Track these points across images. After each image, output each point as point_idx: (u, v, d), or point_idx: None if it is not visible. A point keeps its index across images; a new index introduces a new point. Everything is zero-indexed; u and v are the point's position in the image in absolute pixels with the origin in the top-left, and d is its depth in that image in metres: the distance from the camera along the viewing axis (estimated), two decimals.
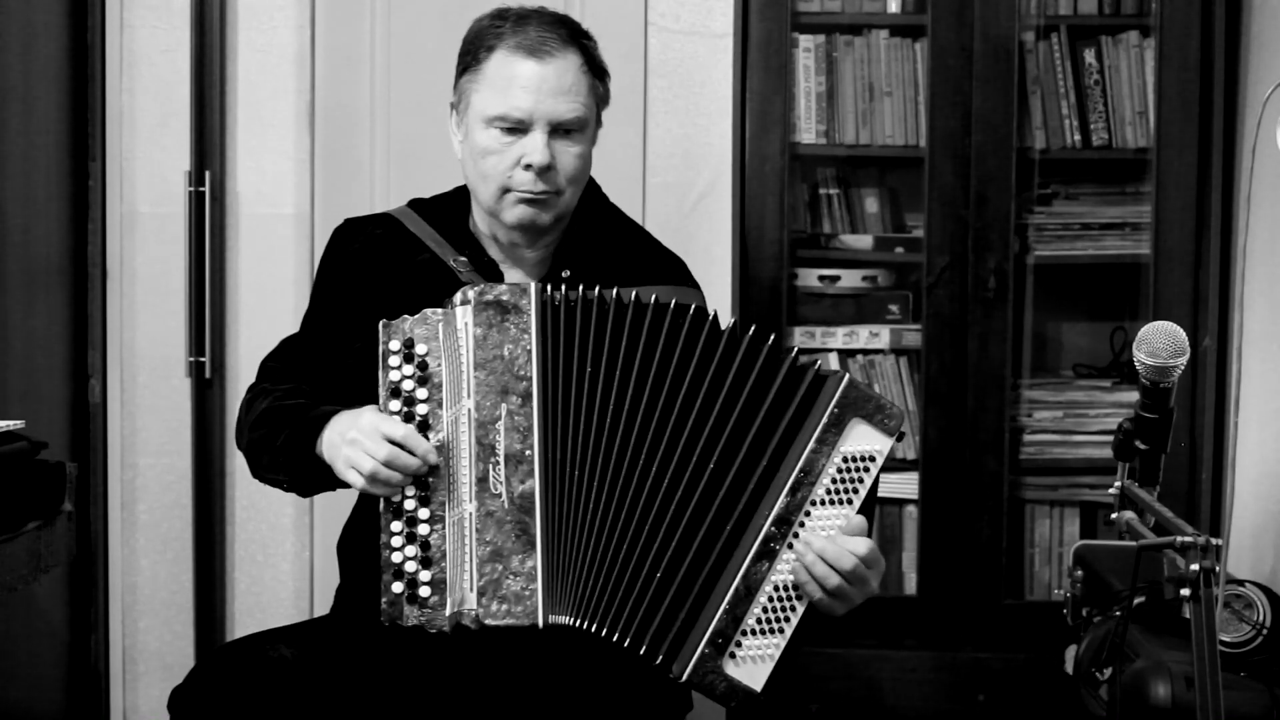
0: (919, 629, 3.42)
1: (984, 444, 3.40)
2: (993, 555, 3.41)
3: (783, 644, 2.05)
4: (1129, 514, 2.02)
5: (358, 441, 2.06)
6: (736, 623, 2.04)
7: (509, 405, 2.06)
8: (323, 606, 3.22)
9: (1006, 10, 3.35)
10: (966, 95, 3.36)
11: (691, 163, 3.35)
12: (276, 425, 2.20)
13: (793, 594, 2.05)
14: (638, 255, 2.38)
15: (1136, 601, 2.78)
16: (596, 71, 2.28)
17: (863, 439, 2.06)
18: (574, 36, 2.26)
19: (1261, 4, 3.30)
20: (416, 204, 2.40)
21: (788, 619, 2.05)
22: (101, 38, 3.30)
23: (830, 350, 3.49)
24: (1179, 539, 1.78)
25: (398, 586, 2.05)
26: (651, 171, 3.34)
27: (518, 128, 2.22)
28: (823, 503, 2.06)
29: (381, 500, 2.07)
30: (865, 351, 3.50)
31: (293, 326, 2.44)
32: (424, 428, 2.07)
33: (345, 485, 2.12)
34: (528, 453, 2.05)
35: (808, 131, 3.46)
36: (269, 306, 3.31)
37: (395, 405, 2.08)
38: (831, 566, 2.02)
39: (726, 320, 2.11)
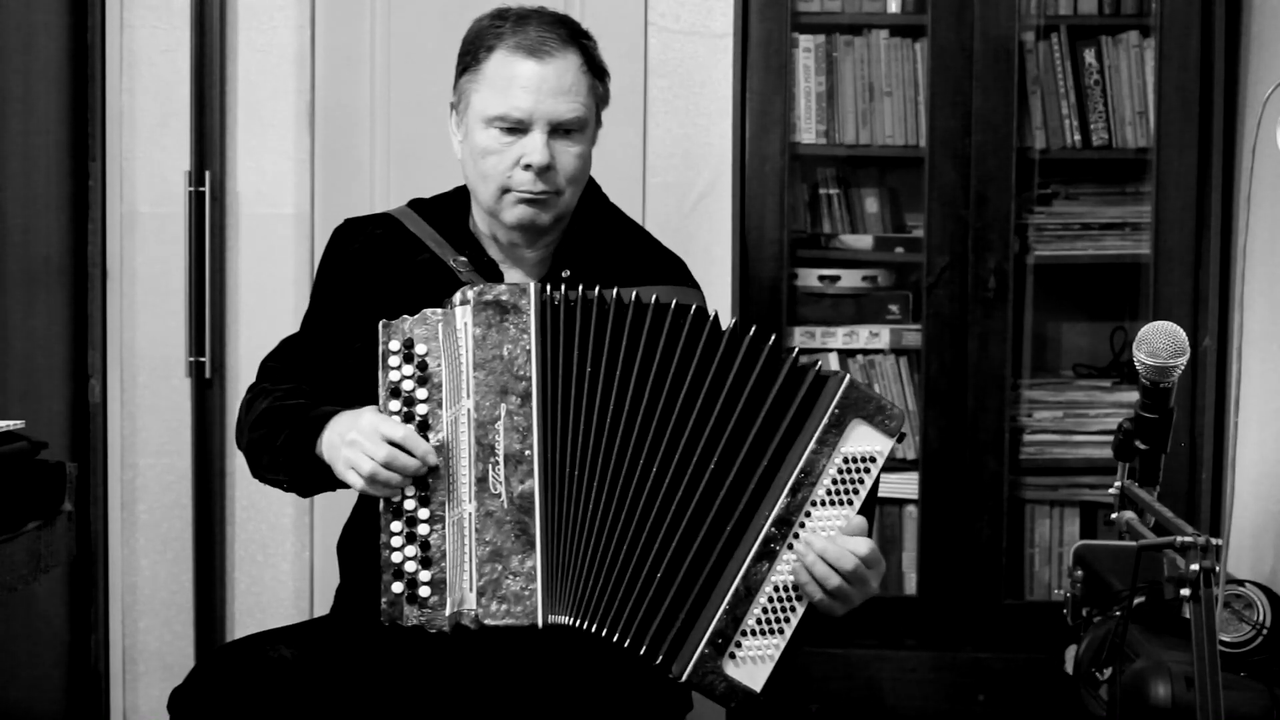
0: (919, 629, 3.42)
1: (984, 444, 3.40)
2: (993, 555, 3.41)
3: (783, 644, 2.05)
4: (1129, 514, 2.02)
5: (357, 443, 2.06)
6: (736, 623, 2.03)
7: (508, 405, 2.06)
8: (323, 606, 3.22)
9: (1006, 10, 3.35)
10: (966, 95, 3.36)
11: (691, 163, 3.35)
12: (276, 425, 2.20)
13: (793, 594, 2.05)
14: (638, 255, 2.38)
15: (1136, 601, 2.78)
16: (596, 71, 2.28)
17: (863, 440, 2.06)
18: (574, 36, 2.26)
19: (1261, 4, 3.30)
20: (416, 204, 2.40)
21: (788, 619, 2.05)
22: (101, 38, 3.30)
23: (830, 350, 3.49)
24: (1179, 539, 1.78)
25: (397, 586, 2.05)
26: (651, 171, 3.34)
27: (517, 128, 2.22)
28: (823, 503, 2.06)
29: (381, 500, 2.07)
30: (865, 351, 3.50)
31: (293, 326, 2.44)
32: (423, 428, 2.07)
33: (345, 486, 2.12)
34: (527, 453, 2.05)
35: (808, 131, 3.46)
36: (269, 306, 3.31)
37: (395, 405, 2.08)
38: (832, 567, 2.02)
39: (727, 321, 2.11)
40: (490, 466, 2.05)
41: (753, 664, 2.04)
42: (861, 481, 2.06)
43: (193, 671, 2.21)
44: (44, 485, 2.54)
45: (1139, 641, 2.72)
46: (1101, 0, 3.46)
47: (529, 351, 2.07)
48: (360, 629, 2.22)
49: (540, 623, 2.02)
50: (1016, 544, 3.48)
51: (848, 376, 2.07)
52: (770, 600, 2.04)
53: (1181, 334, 1.98)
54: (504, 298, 2.09)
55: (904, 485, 3.45)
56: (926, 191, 3.39)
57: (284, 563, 3.37)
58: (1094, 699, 2.75)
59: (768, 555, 2.04)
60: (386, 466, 2.04)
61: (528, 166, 2.21)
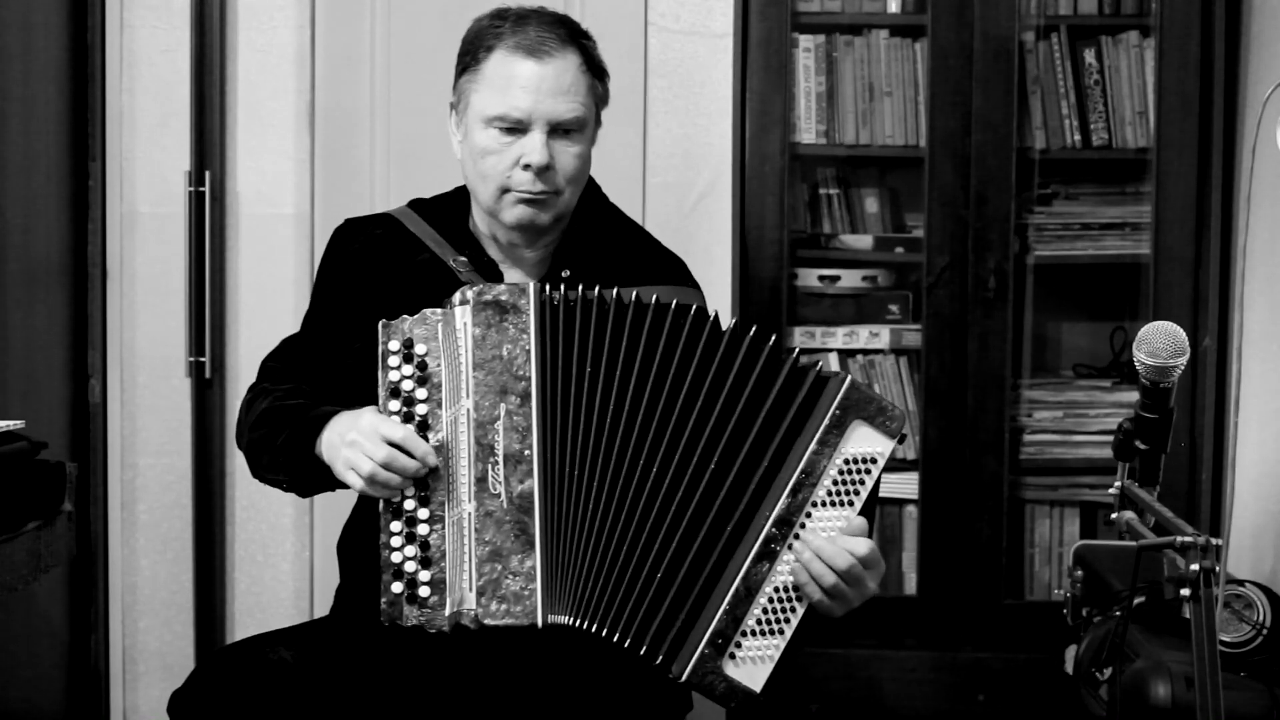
0: (919, 629, 3.42)
1: (984, 444, 3.40)
2: (993, 555, 3.41)
3: (782, 645, 2.05)
4: (1129, 514, 2.02)
5: (357, 443, 2.06)
6: (736, 623, 2.03)
7: (508, 405, 2.06)
8: (323, 607, 3.22)
9: (1006, 10, 3.35)
10: (966, 95, 3.36)
11: (691, 163, 3.35)
12: (276, 425, 2.20)
13: (793, 595, 2.05)
14: (638, 255, 2.38)
15: (1136, 601, 2.78)
16: (596, 71, 2.28)
17: (864, 441, 2.06)
18: (573, 36, 2.26)
19: (1261, 4, 3.30)
20: (416, 204, 2.40)
21: (788, 620, 2.05)
22: (101, 38, 3.30)
23: (830, 350, 3.49)
24: (1179, 539, 1.78)
25: (397, 586, 2.05)
26: (651, 171, 3.34)
27: (517, 128, 2.22)
28: (824, 504, 2.05)
29: (381, 500, 2.07)
30: (865, 351, 3.50)
31: (293, 326, 2.44)
32: (423, 428, 2.07)
33: (345, 486, 2.12)
34: (526, 453, 2.05)
35: (808, 131, 3.46)
36: (269, 306, 3.31)
37: (394, 405, 2.08)
38: (828, 565, 2.02)
39: (727, 321, 2.11)
40: (490, 466, 2.05)
41: (753, 664, 2.04)
42: (862, 483, 2.06)
43: (192, 674, 2.21)
44: (44, 485, 2.54)
45: (1139, 641, 2.72)
46: (1101, 0, 3.46)
47: (528, 351, 2.07)
48: (360, 629, 2.22)
49: (540, 622, 2.02)
50: (1016, 544, 3.48)
51: (849, 377, 2.07)
52: (770, 600, 2.04)
53: (1181, 334, 1.98)
54: (503, 298, 2.09)
55: (904, 485, 3.45)
56: (926, 191, 3.39)
57: (284, 563, 3.37)
58: (1094, 699, 2.75)
59: (768, 556, 2.04)
60: (386, 467, 2.04)
61: (527, 166, 2.21)
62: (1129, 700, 2.60)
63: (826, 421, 2.05)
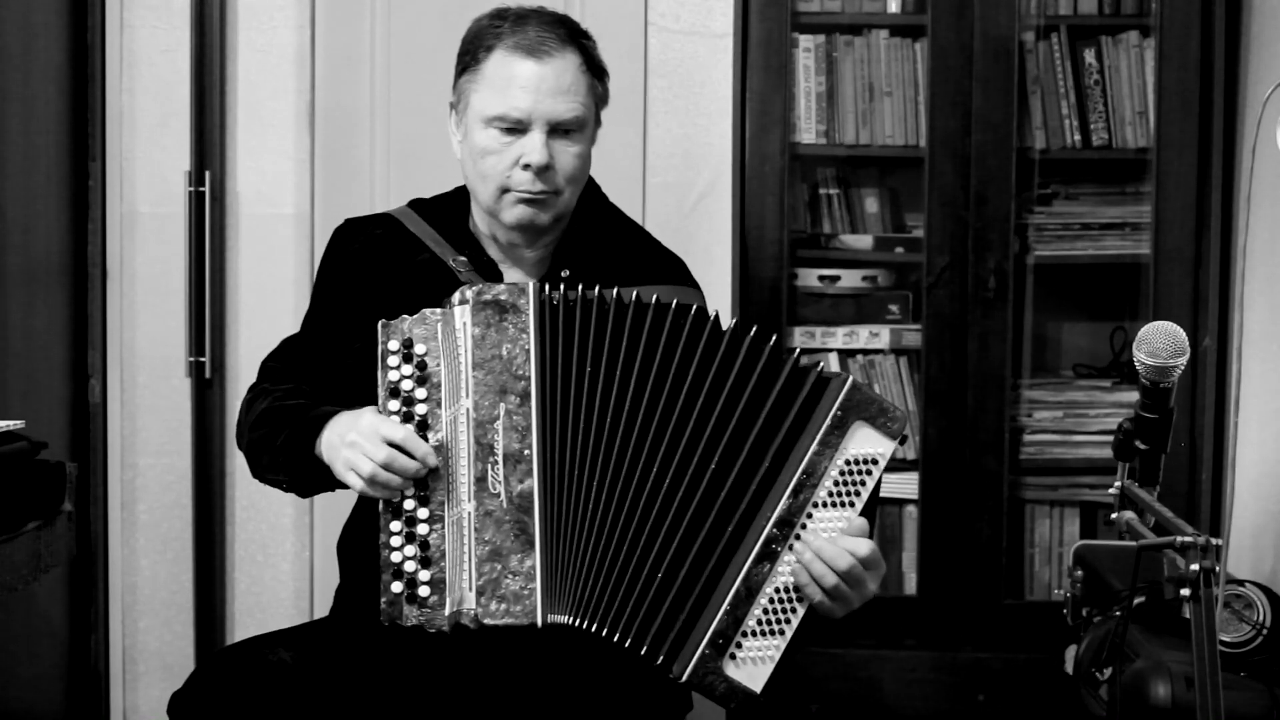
0: (919, 629, 3.42)
1: (984, 444, 3.39)
2: (993, 555, 3.41)
3: (783, 646, 2.05)
4: (1129, 514, 2.02)
5: (357, 444, 2.06)
6: (737, 624, 2.03)
7: (507, 405, 2.06)
8: (323, 607, 3.22)
9: (1006, 10, 3.35)
10: (966, 95, 3.36)
11: (691, 163, 3.35)
12: (276, 425, 2.20)
13: (794, 596, 2.05)
14: (638, 255, 2.38)
15: (1136, 601, 2.78)
16: (595, 71, 2.28)
17: (866, 442, 2.06)
18: (573, 36, 2.25)
19: (1261, 4, 3.30)
20: (416, 204, 2.40)
21: (788, 621, 2.05)
22: (101, 38, 3.30)
23: (830, 350, 3.49)
24: (1179, 539, 1.78)
25: (397, 586, 2.05)
26: (651, 171, 3.34)
27: (516, 127, 2.22)
28: (825, 505, 2.05)
29: (381, 500, 2.07)
30: (865, 351, 3.50)
31: (293, 326, 2.44)
32: (423, 427, 2.07)
33: (345, 486, 2.12)
34: (526, 452, 2.05)
35: (808, 131, 3.46)
36: (269, 306, 3.31)
37: (394, 405, 2.08)
38: (829, 566, 2.02)
39: (727, 321, 2.11)
40: (489, 466, 2.05)
41: (753, 665, 2.04)
42: (863, 483, 2.06)
43: (192, 675, 2.21)
44: (44, 485, 2.54)
45: (1139, 641, 2.72)
46: (1101, 0, 3.46)
47: (528, 351, 2.07)
48: (360, 629, 2.22)
49: (540, 622, 2.02)
50: (1016, 544, 3.48)
51: (851, 378, 2.06)
52: (771, 601, 2.04)
53: (1181, 334, 1.98)
54: (503, 297, 2.08)
55: (904, 485, 3.45)
56: (926, 191, 3.39)
57: (284, 563, 3.37)
58: (1094, 699, 2.75)
59: (769, 556, 2.04)
60: (386, 468, 2.04)
61: (527, 166, 2.21)
62: (1129, 700, 2.60)
63: (828, 422, 2.05)
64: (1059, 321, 3.68)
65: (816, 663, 3.37)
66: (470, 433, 2.05)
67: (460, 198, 2.38)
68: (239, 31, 3.32)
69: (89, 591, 3.34)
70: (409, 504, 2.06)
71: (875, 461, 2.06)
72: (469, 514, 2.04)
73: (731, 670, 2.03)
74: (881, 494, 2.30)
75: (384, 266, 2.32)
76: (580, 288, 2.11)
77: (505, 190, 2.24)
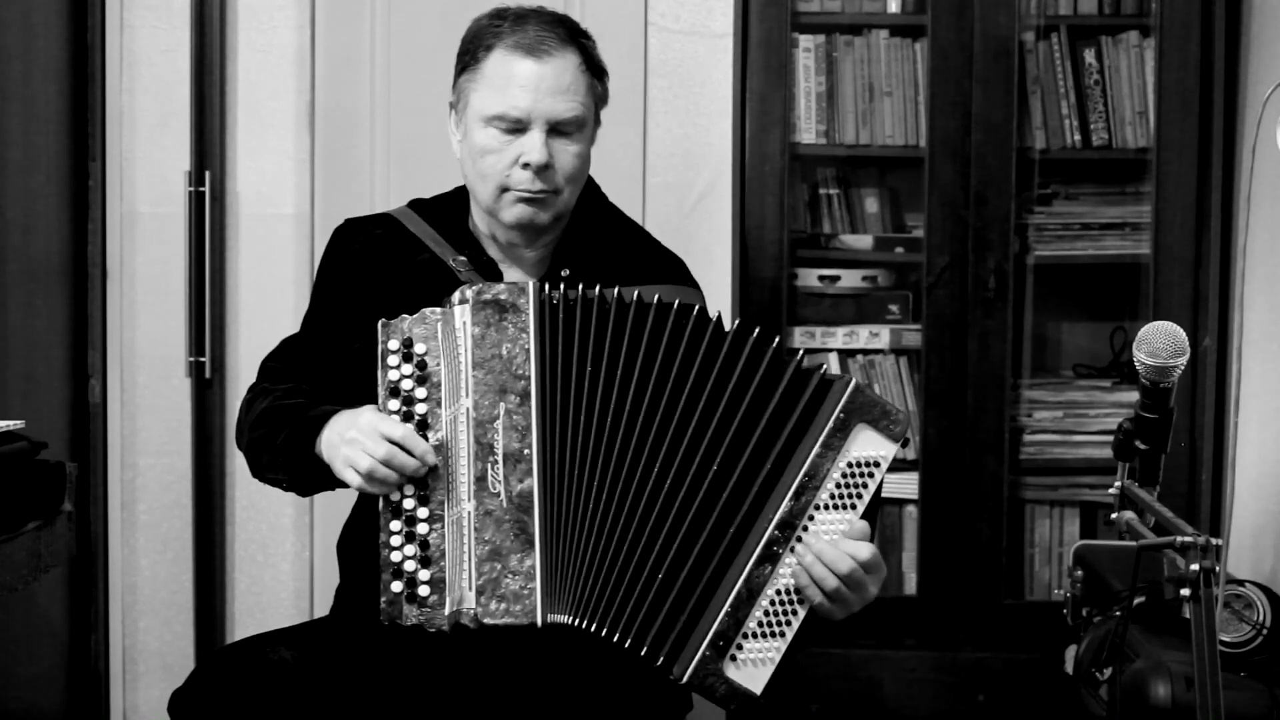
0: (919, 629, 3.42)
1: (984, 444, 3.40)
2: (993, 555, 3.41)
3: (784, 648, 2.04)
4: (1129, 514, 2.02)
5: (356, 441, 2.06)
6: (738, 625, 2.03)
7: (507, 404, 2.06)
8: (323, 606, 3.22)
9: (1006, 10, 3.35)
10: (966, 95, 3.36)
11: (691, 163, 3.35)
12: (276, 424, 2.20)
13: (795, 598, 2.05)
14: (637, 255, 2.38)
15: (1136, 601, 2.78)
16: (595, 71, 2.28)
17: (868, 444, 2.06)
18: (572, 36, 2.25)
19: (1261, 4, 3.30)
20: (416, 204, 2.40)
21: (789, 623, 2.05)
22: (101, 38, 3.30)
23: (830, 350, 3.49)
24: (1179, 539, 1.78)
25: (397, 586, 2.05)
26: (651, 171, 3.34)
27: (516, 127, 2.22)
28: (827, 507, 2.05)
29: (381, 499, 2.07)
30: (865, 352, 3.50)
31: (293, 326, 2.44)
32: (423, 427, 2.07)
33: (344, 485, 2.12)
34: (526, 452, 2.05)
35: (808, 131, 3.46)
36: (269, 306, 3.31)
37: (394, 405, 2.08)
38: (830, 569, 2.02)
39: (729, 322, 2.11)
40: (489, 465, 2.05)
41: (754, 666, 2.04)
42: (865, 486, 2.06)
43: (192, 674, 2.21)
44: (44, 485, 2.54)
45: (1139, 641, 2.72)
46: (1101, 0, 3.46)
47: (528, 351, 2.07)
48: (360, 629, 2.22)
49: (539, 622, 2.02)
50: (1016, 544, 3.48)
51: (854, 380, 2.06)
52: (772, 603, 2.04)
53: (1181, 334, 1.98)
54: (503, 297, 2.08)
55: (904, 485, 3.45)
56: (926, 191, 3.39)
57: (284, 563, 3.37)
58: (1094, 699, 2.75)
59: (770, 558, 2.04)
60: (385, 464, 2.04)
61: (526, 165, 2.21)
62: (1129, 700, 2.60)
63: (830, 425, 2.05)
64: (1059, 321, 3.68)
65: (816, 663, 3.37)
66: (470, 432, 2.05)
67: (460, 198, 2.38)
68: (239, 31, 3.32)
69: (89, 591, 3.34)
70: (409, 503, 2.06)
71: (877, 464, 2.06)
72: (469, 513, 2.04)
73: (732, 672, 2.03)
74: (882, 494, 2.29)
75: (384, 266, 2.32)
76: (580, 287, 2.11)
77: (505, 189, 2.24)
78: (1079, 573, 2.62)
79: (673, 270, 2.40)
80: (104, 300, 3.33)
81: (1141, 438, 2.04)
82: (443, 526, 2.06)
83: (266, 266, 3.33)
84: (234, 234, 3.33)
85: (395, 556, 2.06)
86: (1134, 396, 2.07)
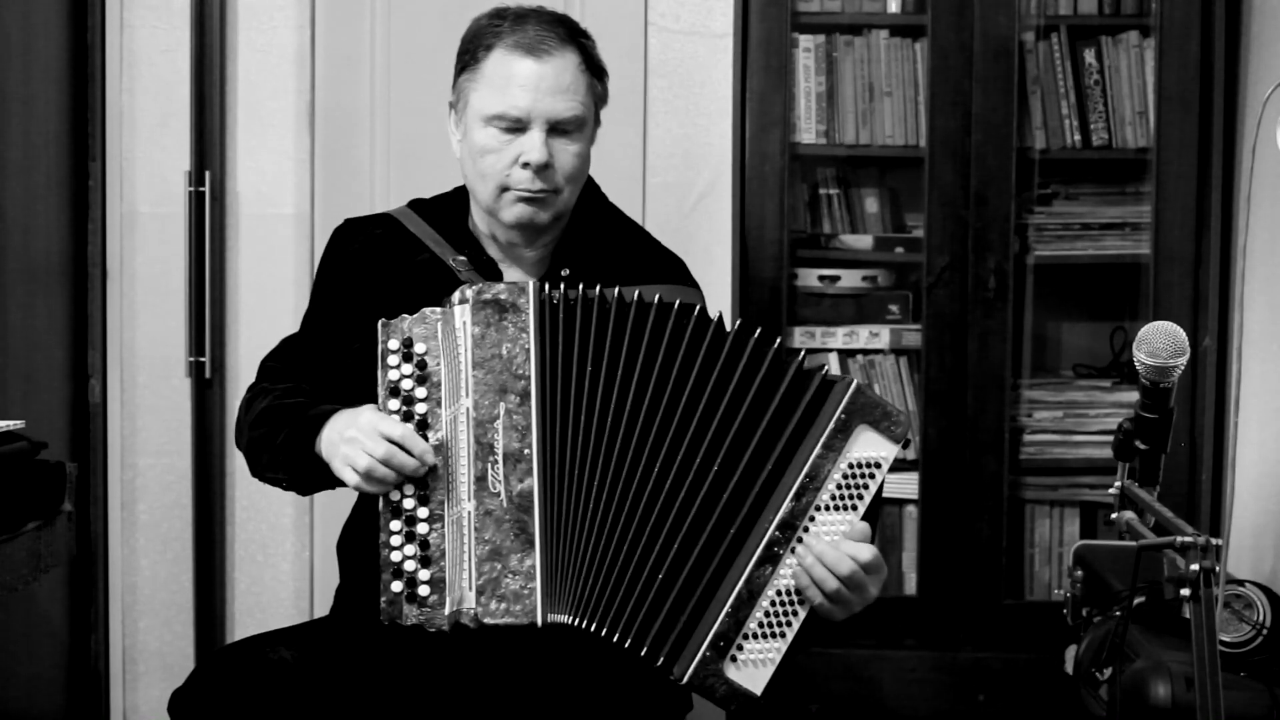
0: (919, 629, 3.42)
1: (984, 444, 3.39)
2: (993, 555, 3.41)
3: (784, 649, 2.04)
4: (1129, 514, 2.02)
5: (356, 439, 2.06)
6: (739, 626, 2.03)
7: (507, 404, 2.06)
8: (323, 606, 3.22)
9: (1006, 10, 3.35)
10: (966, 95, 3.36)
11: (691, 163, 3.35)
12: (276, 424, 2.20)
13: (795, 599, 2.05)
14: (637, 255, 2.38)
15: (1136, 601, 2.78)
16: (595, 70, 2.28)
17: (869, 445, 2.06)
18: (572, 35, 2.26)
19: (1261, 4, 3.30)
20: (416, 204, 2.40)
21: (789, 624, 2.05)
22: (101, 38, 3.30)
23: (830, 350, 3.49)
24: (1179, 539, 1.78)
25: (397, 585, 2.05)
26: (651, 171, 3.34)
27: (516, 126, 2.22)
28: (827, 508, 2.05)
29: (381, 499, 2.07)
30: (865, 351, 3.50)
31: (293, 326, 2.44)
32: (423, 426, 2.07)
33: (344, 484, 2.12)
34: (526, 451, 2.05)
35: (808, 131, 3.46)
36: (269, 306, 3.31)
37: (394, 404, 2.08)
38: (831, 570, 2.02)
39: (730, 322, 2.11)
40: (489, 465, 2.04)
41: (754, 667, 2.04)
42: (866, 487, 2.06)
43: (193, 674, 2.21)
44: (44, 485, 2.54)
45: (1139, 641, 2.72)
46: (1101, 0, 3.46)
47: (528, 350, 2.07)
48: (360, 629, 2.22)
49: (539, 621, 2.02)
50: (1016, 544, 3.48)
51: (855, 381, 2.06)
52: (773, 604, 2.04)
53: (1181, 334, 1.98)
54: (503, 296, 2.08)
55: (904, 485, 3.45)
56: (926, 191, 3.39)
57: (284, 563, 3.37)
58: (1094, 699, 2.75)
59: (771, 559, 2.04)
60: (384, 463, 2.04)
61: (526, 165, 2.21)
62: (1129, 700, 2.60)
63: (831, 426, 2.05)
64: (1059, 321, 3.68)
65: (816, 663, 3.37)
66: (470, 432, 2.05)
67: (460, 197, 2.38)
68: (239, 31, 3.32)
69: (89, 591, 3.34)
70: (409, 503, 2.07)
71: (878, 465, 2.06)
72: (469, 513, 2.04)
73: (732, 672, 2.03)
74: (883, 494, 2.30)
75: (384, 266, 2.32)
76: (580, 287, 2.11)
77: (504, 189, 2.24)
78: (1079, 573, 2.62)
79: (673, 270, 2.40)
80: (104, 300, 3.33)
81: (1141, 438, 2.04)
82: (443, 526, 2.06)
83: (266, 266, 3.33)
84: (234, 234, 3.33)
85: (395, 556, 2.06)
86: (1134, 396, 2.07)
